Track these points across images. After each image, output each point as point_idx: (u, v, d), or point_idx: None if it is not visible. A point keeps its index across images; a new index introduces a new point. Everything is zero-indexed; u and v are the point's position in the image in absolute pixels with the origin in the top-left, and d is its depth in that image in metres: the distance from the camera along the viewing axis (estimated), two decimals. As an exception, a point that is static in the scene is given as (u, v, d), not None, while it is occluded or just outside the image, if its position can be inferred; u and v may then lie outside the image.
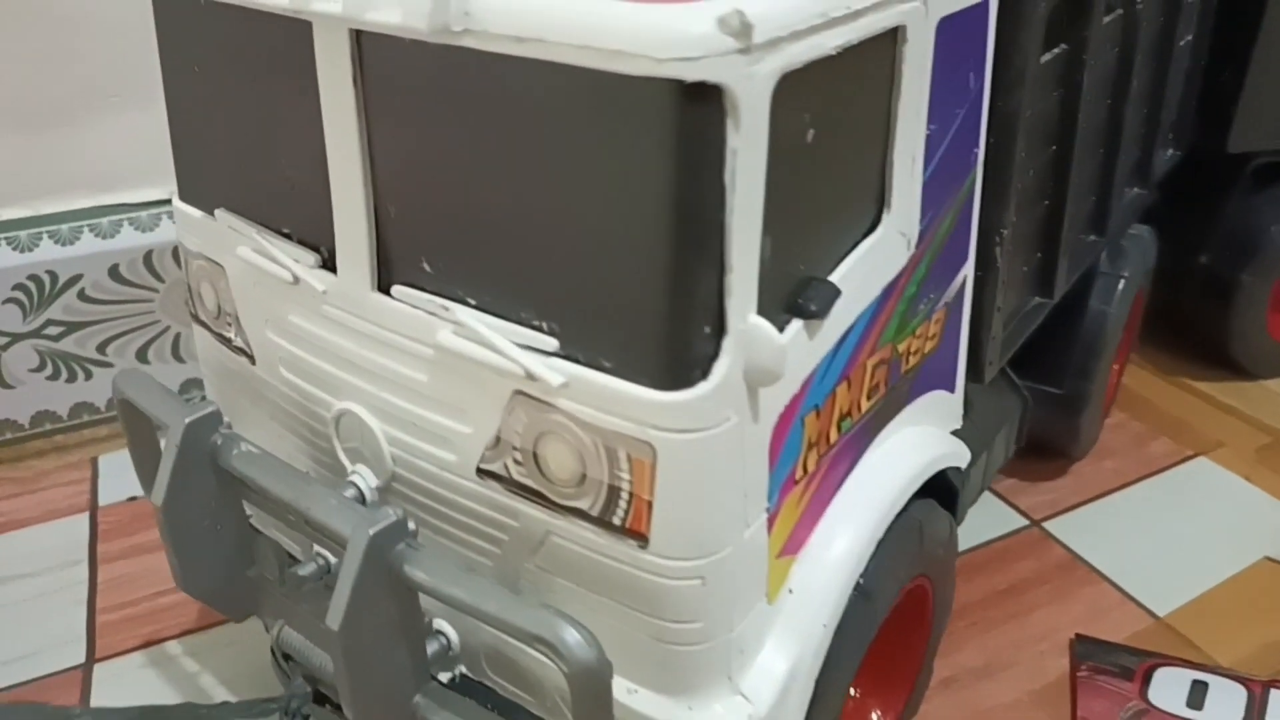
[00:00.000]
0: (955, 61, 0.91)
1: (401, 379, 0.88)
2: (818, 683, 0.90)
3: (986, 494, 1.84)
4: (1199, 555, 1.66)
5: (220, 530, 0.99)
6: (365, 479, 0.95)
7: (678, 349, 0.72)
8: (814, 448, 0.88)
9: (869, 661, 1.00)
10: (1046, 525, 1.77)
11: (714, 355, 0.73)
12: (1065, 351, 1.67)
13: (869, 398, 0.95)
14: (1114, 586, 1.59)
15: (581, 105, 0.67)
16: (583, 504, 0.80)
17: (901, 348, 0.98)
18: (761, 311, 0.76)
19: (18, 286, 1.86)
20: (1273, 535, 1.69)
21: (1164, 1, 1.58)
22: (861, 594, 0.95)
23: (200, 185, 1.05)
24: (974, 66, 0.94)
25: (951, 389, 1.13)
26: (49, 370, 1.92)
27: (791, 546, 0.89)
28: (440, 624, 0.97)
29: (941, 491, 1.21)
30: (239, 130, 0.94)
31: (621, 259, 0.71)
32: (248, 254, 0.98)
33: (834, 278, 0.86)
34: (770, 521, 0.85)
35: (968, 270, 1.07)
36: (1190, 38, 1.75)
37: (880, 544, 0.99)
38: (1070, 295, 1.62)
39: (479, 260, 0.80)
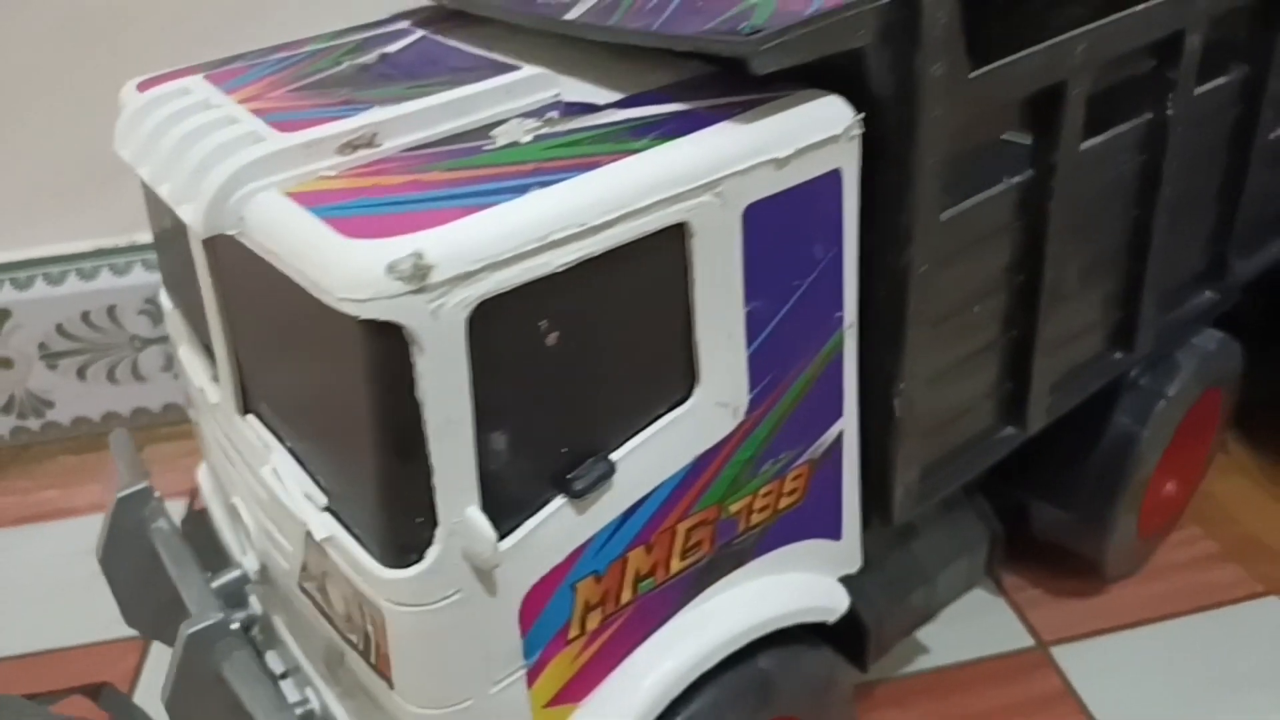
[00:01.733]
0: (786, 238, 0.88)
1: (255, 491, 1.00)
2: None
3: (1000, 603, 1.72)
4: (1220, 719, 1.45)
5: (153, 578, 1.17)
6: (250, 564, 1.10)
7: (393, 535, 0.78)
8: (597, 608, 0.91)
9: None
10: (1053, 649, 1.61)
11: (429, 542, 0.78)
12: (1080, 472, 1.52)
13: (684, 558, 0.95)
14: (1098, 737, 1.45)
15: (314, 314, 0.74)
16: (354, 637, 0.88)
17: (734, 508, 0.97)
18: (507, 493, 0.80)
19: (149, 300, 2.20)
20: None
21: (1241, 91, 1.37)
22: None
23: (169, 283, 1.23)
24: (822, 237, 0.90)
25: (836, 536, 1.09)
26: (174, 370, 2.25)
27: (569, 696, 0.93)
28: (310, 694, 1.10)
29: (848, 628, 1.19)
30: (179, 259, 1.09)
31: (351, 450, 0.78)
32: (184, 353, 1.14)
33: (622, 452, 0.87)
34: (532, 675, 0.89)
35: (844, 425, 1.03)
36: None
37: (709, 694, 1.01)
38: (1089, 411, 1.47)
39: (287, 413, 0.90)
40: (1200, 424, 1.68)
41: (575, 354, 0.79)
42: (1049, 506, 1.56)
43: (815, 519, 1.06)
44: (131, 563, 1.14)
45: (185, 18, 1.96)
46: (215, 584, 1.08)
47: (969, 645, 1.64)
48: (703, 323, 0.86)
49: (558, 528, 0.85)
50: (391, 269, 0.67)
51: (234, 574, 1.09)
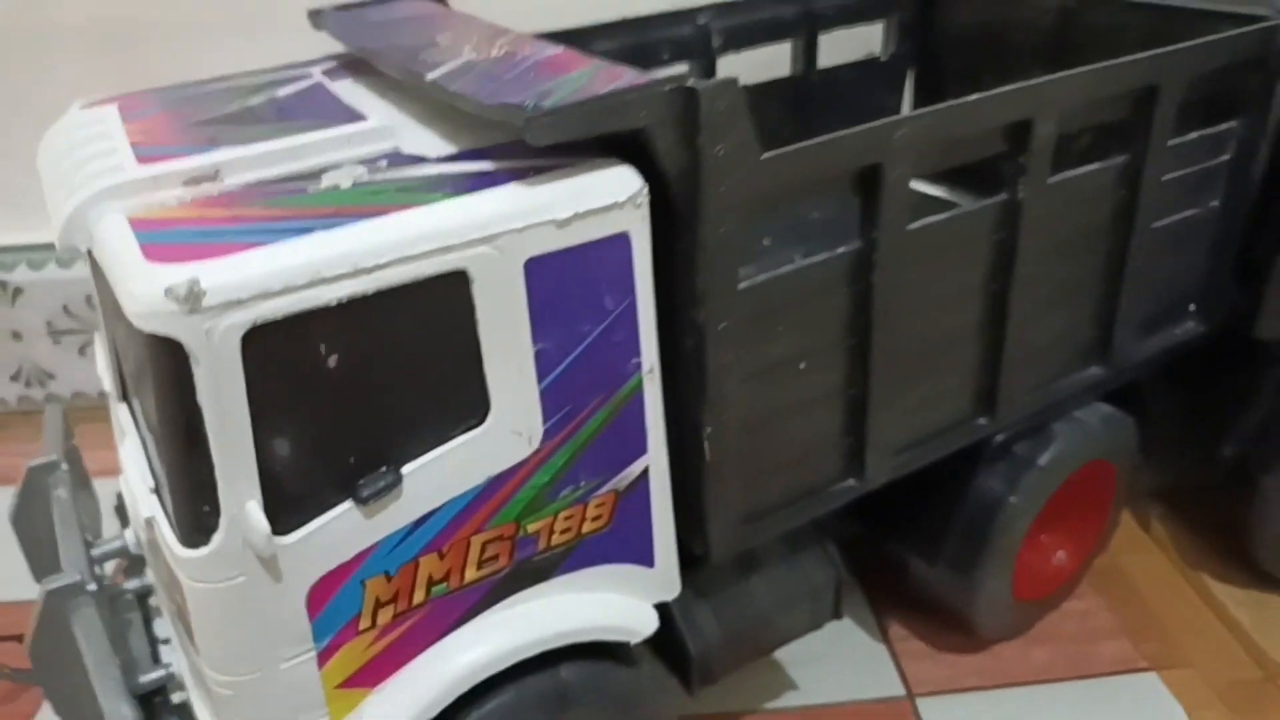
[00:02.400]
0: (574, 290, 0.98)
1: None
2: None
3: (882, 651, 1.77)
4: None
5: (52, 541, 1.32)
6: (129, 537, 1.24)
7: (187, 518, 0.91)
8: (389, 605, 1.02)
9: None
10: (920, 700, 1.66)
11: (215, 528, 0.90)
12: (948, 530, 1.57)
13: (480, 568, 1.06)
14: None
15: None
16: (175, 606, 1.01)
17: (533, 527, 1.07)
18: (291, 493, 0.92)
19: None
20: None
21: (1121, 177, 1.42)
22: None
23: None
24: (612, 291, 0.99)
25: (648, 564, 1.18)
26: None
27: (362, 681, 1.04)
28: (175, 658, 1.23)
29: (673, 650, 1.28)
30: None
31: (160, 441, 0.91)
32: (96, 341, 1.30)
33: (413, 466, 0.98)
34: (323, 658, 1.00)
35: (650, 461, 1.12)
36: (1194, 211, 1.54)
37: (507, 694, 1.11)
38: (961, 471, 1.52)
39: (137, 404, 1.03)
40: (1086, 496, 1.71)
41: (358, 376, 0.91)
42: (920, 561, 1.61)
43: (625, 545, 1.15)
44: (37, 527, 1.29)
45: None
46: (95, 551, 1.22)
47: (841, 688, 1.69)
48: (491, 358, 0.97)
49: (345, 528, 0.96)
50: (169, 292, 0.79)
51: (114, 544, 1.23)
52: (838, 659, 1.74)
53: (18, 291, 2.34)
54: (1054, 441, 1.55)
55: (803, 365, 1.22)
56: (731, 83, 0.96)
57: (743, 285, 1.07)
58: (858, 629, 1.81)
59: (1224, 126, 1.51)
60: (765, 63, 1.89)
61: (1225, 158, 1.53)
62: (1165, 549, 1.96)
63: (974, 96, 1.20)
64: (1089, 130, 1.41)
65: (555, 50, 1.12)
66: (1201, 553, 1.92)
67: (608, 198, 0.96)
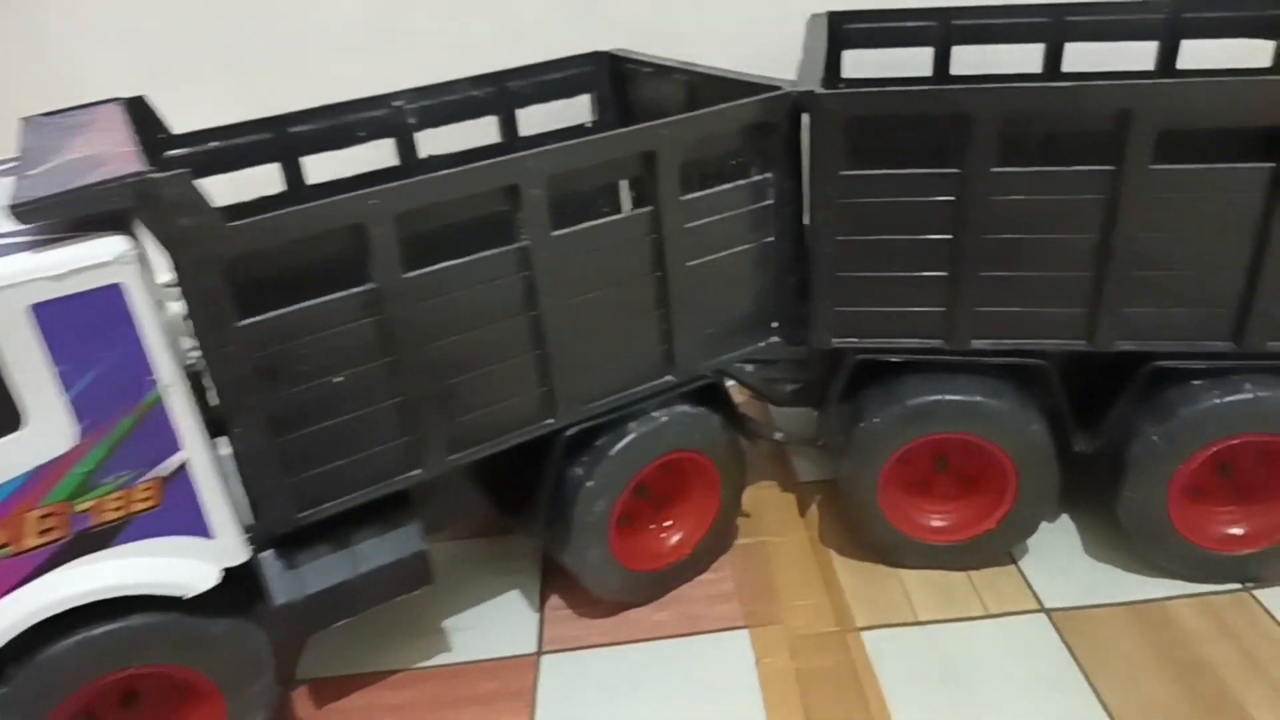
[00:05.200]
0: (84, 325, 1.30)
1: None
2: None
3: (533, 616, 2.07)
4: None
5: None
6: None
7: None
8: (-44, 562, 1.36)
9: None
10: (544, 657, 1.96)
11: None
12: (547, 509, 1.88)
13: (40, 536, 1.39)
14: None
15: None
16: None
17: (83, 506, 1.39)
18: None
19: None
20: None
21: (649, 225, 1.71)
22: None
23: None
24: (116, 325, 1.31)
25: (206, 535, 1.50)
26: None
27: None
28: None
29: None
30: None
31: None
32: None
33: (-31, 456, 1.33)
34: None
35: (187, 456, 1.44)
36: (747, 246, 1.82)
37: (80, 634, 1.45)
38: (550, 459, 1.83)
39: None
40: (689, 485, 2.02)
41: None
42: (537, 536, 1.93)
43: (178, 521, 1.47)
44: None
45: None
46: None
47: (485, 648, 2.00)
48: (17, 377, 1.30)
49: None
50: None
51: None
52: (496, 623, 2.06)
53: None
54: (626, 436, 1.85)
55: (338, 379, 1.54)
56: (184, 174, 1.30)
57: (243, 323, 1.41)
58: (522, 598, 2.13)
59: (759, 178, 1.81)
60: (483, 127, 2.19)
61: (769, 202, 1.84)
62: (810, 529, 2.26)
63: (460, 169, 1.52)
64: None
65: (123, 149, 1.45)
66: (837, 534, 2.22)
67: (97, 258, 1.29)
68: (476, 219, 1.57)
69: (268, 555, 1.63)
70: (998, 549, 2.03)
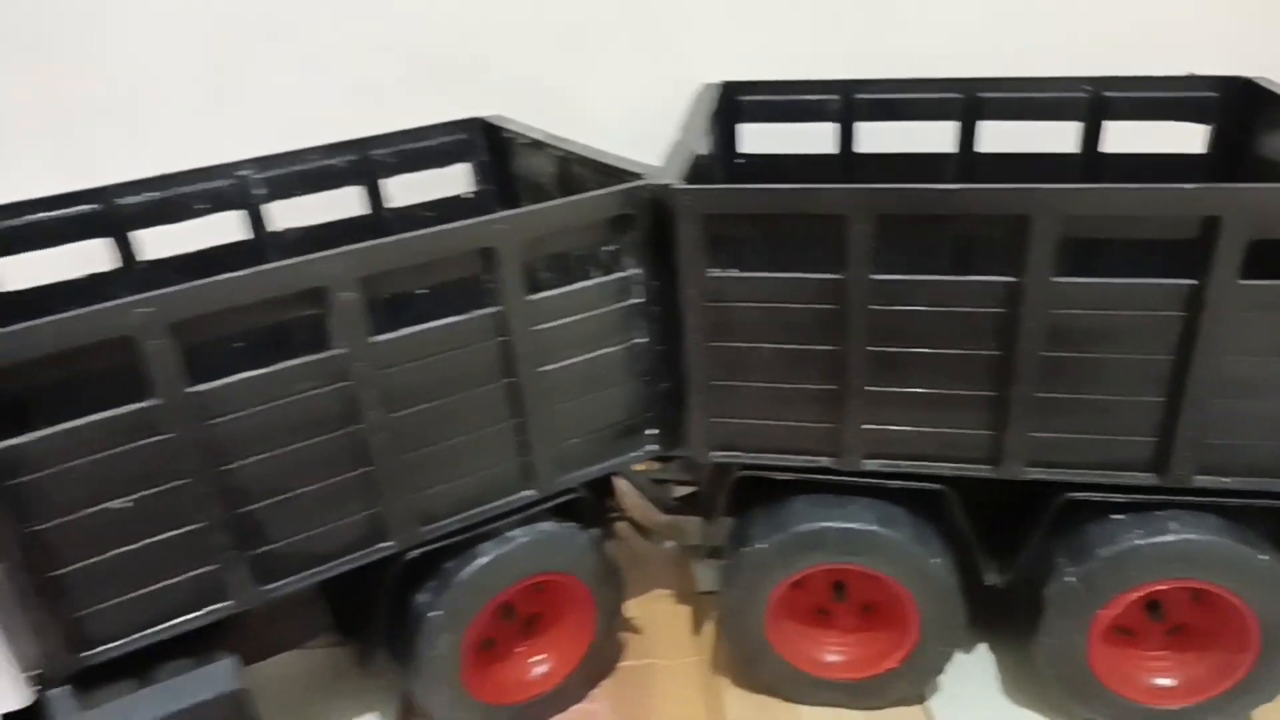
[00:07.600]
0: None
1: None
2: None
3: None
4: None
5: None
6: None
7: None
8: None
9: None
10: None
11: None
12: (390, 636, 1.69)
13: None
14: None
15: None
16: None
17: None
18: None
19: None
20: None
21: (495, 326, 1.52)
22: None
23: None
24: None
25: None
26: None
27: None
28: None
29: None
30: None
31: None
32: None
33: None
34: None
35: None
36: (612, 348, 1.64)
37: None
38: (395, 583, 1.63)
39: None
40: (558, 609, 1.81)
41: None
42: (383, 662, 1.73)
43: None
44: None
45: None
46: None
47: None
48: None
49: None
50: None
51: None
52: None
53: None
54: (478, 559, 1.64)
55: (128, 503, 1.36)
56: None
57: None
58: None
59: (625, 274, 1.63)
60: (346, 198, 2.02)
61: (637, 300, 1.65)
62: (704, 650, 2.04)
63: (252, 270, 1.35)
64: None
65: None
66: (731, 656, 1.99)
67: None
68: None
69: (60, 694, 1.44)
70: (904, 689, 1.81)
